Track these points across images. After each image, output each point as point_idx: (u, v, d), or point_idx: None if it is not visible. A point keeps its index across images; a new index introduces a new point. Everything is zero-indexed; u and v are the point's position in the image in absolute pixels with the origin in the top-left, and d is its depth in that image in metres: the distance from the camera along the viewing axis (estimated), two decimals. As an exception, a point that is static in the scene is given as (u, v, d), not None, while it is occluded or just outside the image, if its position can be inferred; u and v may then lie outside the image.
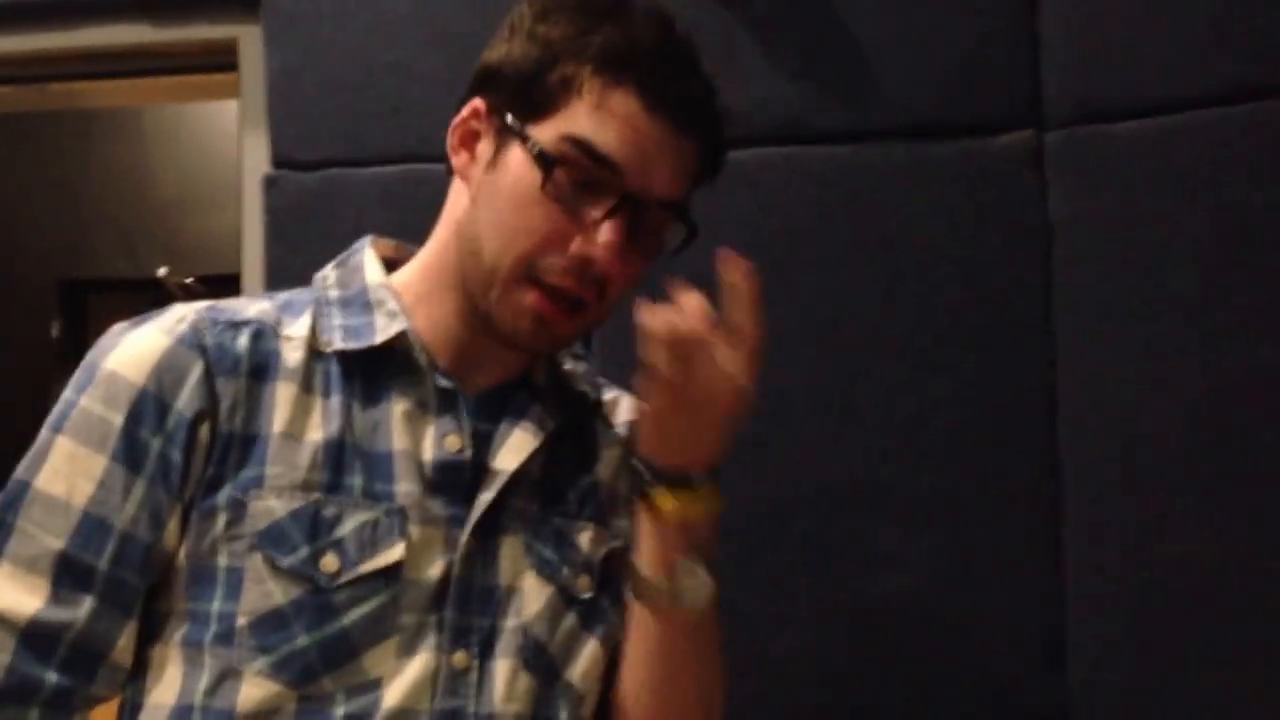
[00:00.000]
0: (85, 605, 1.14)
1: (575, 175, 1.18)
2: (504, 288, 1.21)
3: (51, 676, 1.13)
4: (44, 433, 1.20)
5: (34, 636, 1.13)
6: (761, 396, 2.00)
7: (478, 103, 1.26)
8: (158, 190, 4.72)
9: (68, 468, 1.17)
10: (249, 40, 2.31)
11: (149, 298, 4.69)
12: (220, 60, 2.38)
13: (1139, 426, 1.94)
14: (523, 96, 1.21)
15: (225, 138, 4.51)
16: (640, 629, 1.28)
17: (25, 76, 2.52)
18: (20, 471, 1.19)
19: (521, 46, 1.23)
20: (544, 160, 1.18)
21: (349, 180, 2.21)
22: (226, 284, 4.18)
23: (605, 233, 1.18)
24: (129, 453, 1.16)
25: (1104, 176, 2.00)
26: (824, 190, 2.08)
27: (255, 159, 2.30)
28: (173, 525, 1.17)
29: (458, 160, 1.27)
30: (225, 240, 4.51)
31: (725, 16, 2.12)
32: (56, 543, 1.15)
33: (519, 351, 1.28)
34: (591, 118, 1.18)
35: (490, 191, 1.22)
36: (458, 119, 1.27)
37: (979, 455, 2.00)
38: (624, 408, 1.41)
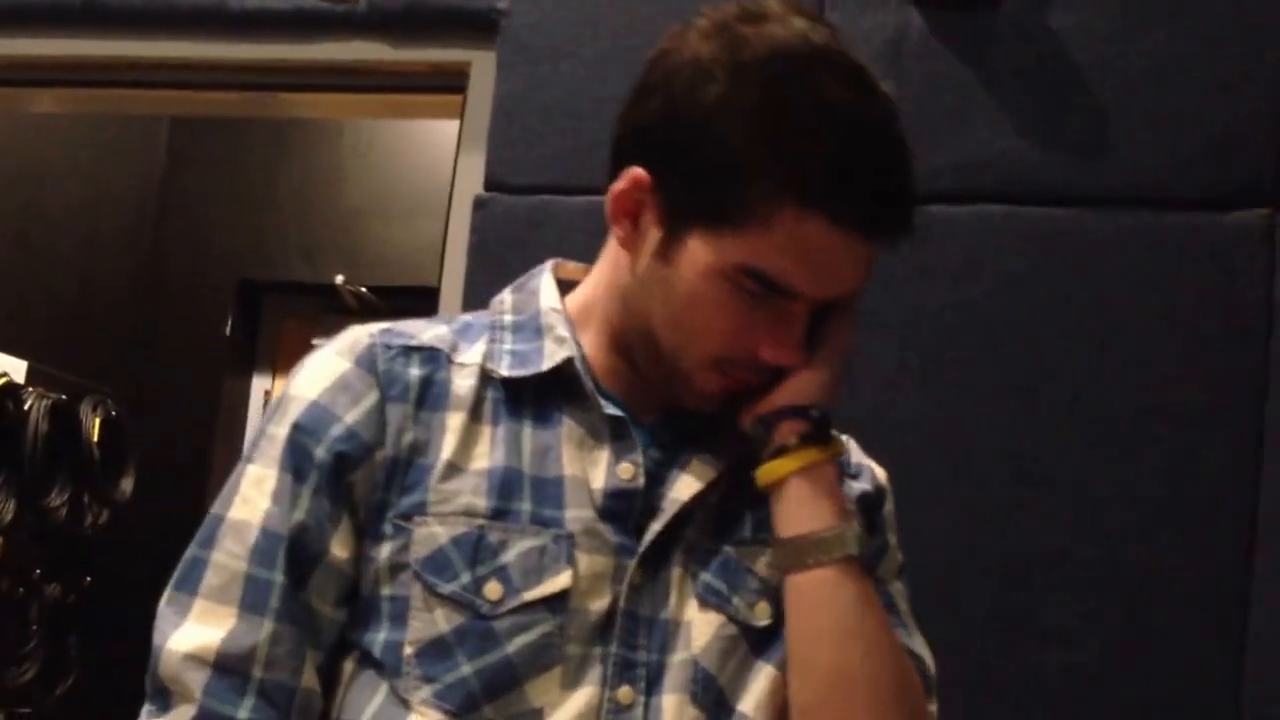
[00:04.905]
0: (267, 625, 1.14)
1: (758, 291, 1.15)
2: (686, 376, 1.19)
3: (244, 712, 1.12)
4: (239, 465, 1.21)
5: (224, 669, 1.12)
6: (948, 457, 2.05)
7: (642, 176, 1.18)
8: (345, 199, 4.83)
9: (252, 491, 1.18)
10: (481, 65, 2.39)
11: (322, 302, 4.83)
12: (444, 82, 2.47)
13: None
14: (701, 200, 1.15)
15: (417, 153, 4.66)
16: (796, 618, 1.19)
17: (260, 85, 2.63)
18: (215, 507, 1.19)
19: (702, 141, 1.14)
20: (729, 282, 1.14)
21: (558, 207, 2.26)
22: (403, 294, 4.31)
23: (787, 340, 1.17)
24: (295, 462, 1.17)
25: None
26: (1040, 252, 2.08)
27: (469, 180, 2.37)
28: (343, 540, 1.17)
29: (618, 229, 1.21)
30: (404, 252, 4.66)
31: (962, 70, 2.14)
32: (242, 565, 1.15)
33: None
34: (779, 251, 1.12)
35: (663, 286, 1.18)
36: (618, 187, 1.19)
37: (1171, 537, 1.97)
38: None
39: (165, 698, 1.13)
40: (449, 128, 2.49)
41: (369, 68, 2.48)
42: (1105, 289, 2.06)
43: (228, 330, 4.89)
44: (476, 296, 2.26)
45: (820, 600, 1.18)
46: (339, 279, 4.72)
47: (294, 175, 4.90)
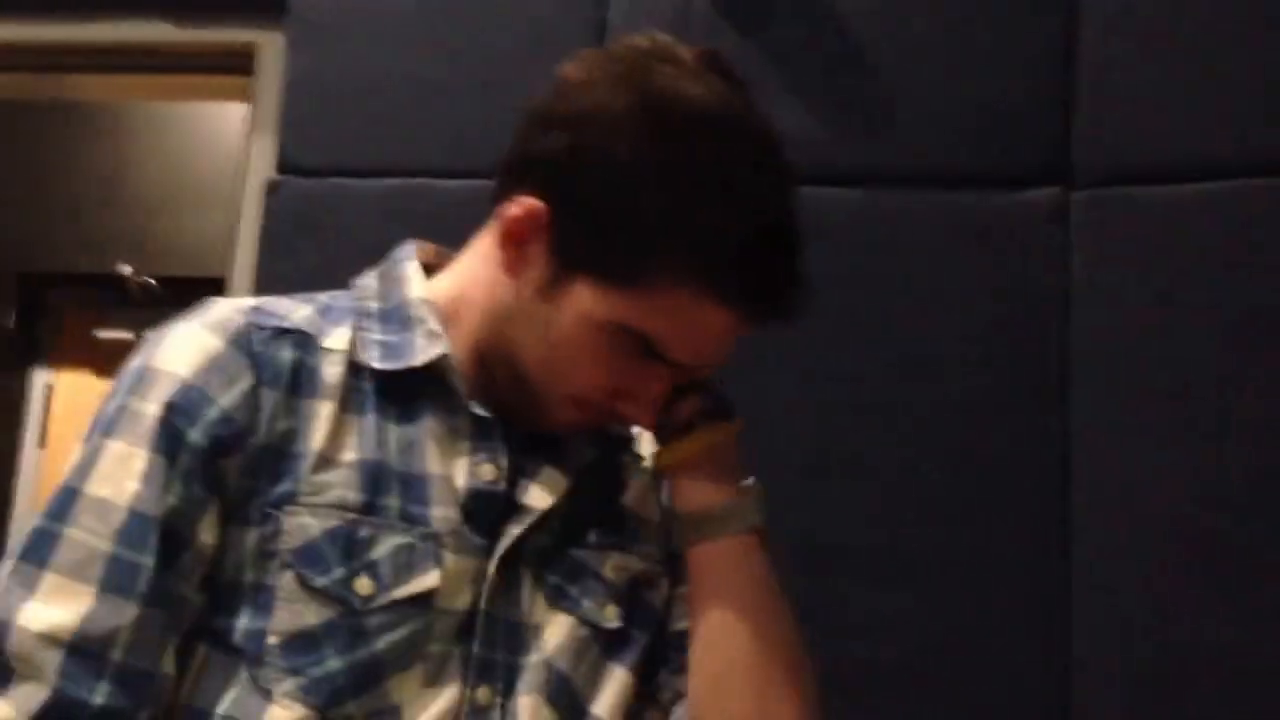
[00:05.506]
0: (132, 609, 1.09)
1: (632, 351, 1.17)
2: (544, 406, 1.21)
3: (99, 697, 1.07)
4: (92, 437, 1.15)
5: (80, 651, 1.07)
6: (749, 447, 1.98)
7: (538, 209, 1.17)
8: (130, 188, 4.71)
9: (115, 468, 1.12)
10: (268, 46, 2.35)
11: (106, 294, 4.70)
12: (231, 63, 2.42)
13: (1152, 503, 1.88)
14: (597, 252, 1.15)
15: (202, 141, 4.57)
16: (697, 600, 1.23)
17: (37, 65, 2.55)
18: (69, 479, 1.13)
19: (608, 197, 1.14)
20: (608, 336, 1.16)
21: (353, 190, 2.22)
22: (191, 286, 4.22)
23: (646, 401, 1.21)
24: (168, 444, 1.12)
25: (1129, 240, 1.96)
26: (829, 233, 1.97)
27: (260, 164, 2.33)
28: (211, 525, 1.13)
29: (503, 254, 1.20)
30: (193, 242, 4.55)
31: (743, 43, 2.09)
32: (104, 545, 1.10)
33: None
34: (667, 321, 1.15)
35: (541, 322, 1.18)
36: (512, 213, 1.18)
37: (980, 521, 1.94)
38: (650, 438, 1.36)
39: (6, 675, 1.07)
40: (240, 112, 2.44)
41: (152, 48, 2.42)
42: (897, 270, 2.03)
43: (8, 323, 4.75)
44: (268, 282, 2.21)
45: (728, 571, 1.22)
46: (124, 270, 4.61)
47: (77, 163, 4.77)
